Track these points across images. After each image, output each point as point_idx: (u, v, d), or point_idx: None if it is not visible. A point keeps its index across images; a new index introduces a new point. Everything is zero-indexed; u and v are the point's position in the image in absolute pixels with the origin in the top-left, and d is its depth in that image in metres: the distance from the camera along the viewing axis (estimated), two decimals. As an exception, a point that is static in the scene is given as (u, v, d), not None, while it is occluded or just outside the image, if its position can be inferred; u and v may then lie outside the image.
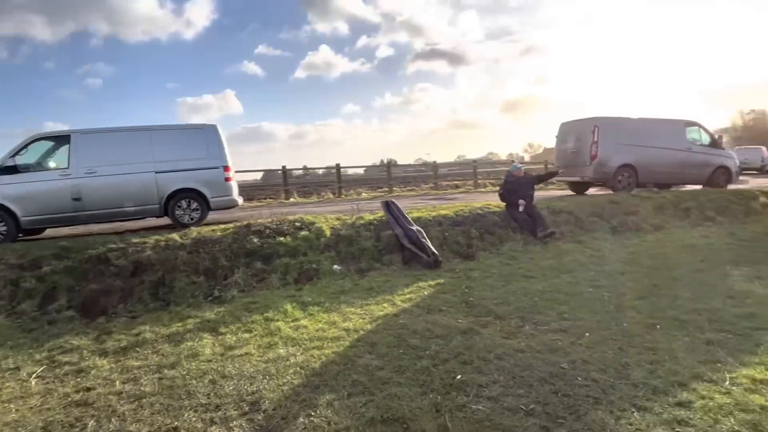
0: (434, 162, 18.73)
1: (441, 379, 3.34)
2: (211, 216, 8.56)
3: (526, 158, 62.58)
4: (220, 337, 4.45)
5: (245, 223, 7.22)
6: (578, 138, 11.57)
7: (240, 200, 8.86)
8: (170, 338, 4.48)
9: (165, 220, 8.21)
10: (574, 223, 8.33)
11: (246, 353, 4.00)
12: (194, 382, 3.52)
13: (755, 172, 23.85)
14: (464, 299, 5.18)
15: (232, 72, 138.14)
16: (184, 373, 3.68)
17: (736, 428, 2.61)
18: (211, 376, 3.59)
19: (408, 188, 17.47)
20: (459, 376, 3.36)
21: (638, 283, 5.46)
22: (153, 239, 6.55)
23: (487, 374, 3.40)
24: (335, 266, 6.59)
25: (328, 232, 7.17)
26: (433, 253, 6.71)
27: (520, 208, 8.05)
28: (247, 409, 3.09)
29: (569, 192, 12.79)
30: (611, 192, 11.21)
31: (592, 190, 12.48)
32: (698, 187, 12.23)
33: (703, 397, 2.94)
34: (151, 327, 4.79)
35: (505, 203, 8.38)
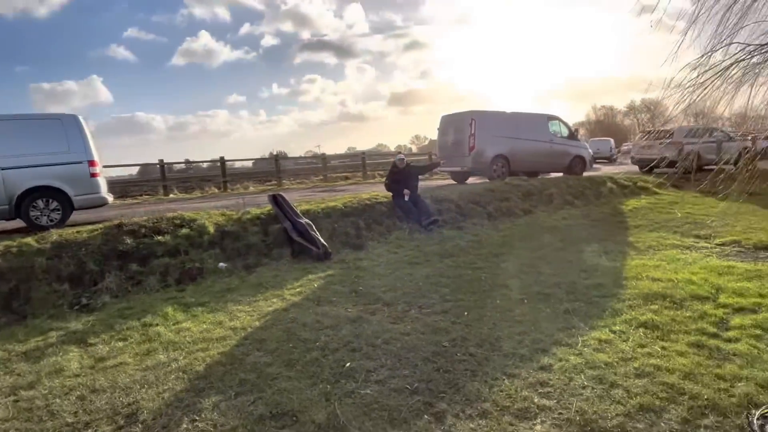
0: (323, 154, 18.70)
1: (330, 369, 3.39)
2: (78, 216, 7.72)
3: (414, 150, 64.94)
4: (89, 348, 4.06)
5: (117, 222, 6.61)
6: (457, 130, 12.30)
7: (110, 198, 8.09)
8: (27, 355, 3.98)
9: (19, 223, 7.24)
10: (455, 210, 8.87)
11: (120, 363, 3.70)
12: (58, 400, 3.17)
13: (605, 161, 27.26)
14: (354, 289, 5.28)
15: (97, 56, 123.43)
16: (46, 392, 3.30)
17: (586, 383, 3.02)
18: (79, 392, 3.26)
19: (298, 181, 17.24)
20: (348, 364, 3.45)
21: (510, 264, 6.00)
22: (2, 245, 5.73)
23: (375, 359, 3.52)
24: (221, 264, 6.33)
25: (211, 229, 6.85)
26: (323, 245, 6.74)
27: (406, 198, 8.38)
28: (122, 422, 2.87)
29: (451, 181, 13.58)
30: (487, 181, 12.12)
31: (471, 179, 13.38)
32: (559, 174, 13.70)
33: (560, 360, 3.34)
34: (3, 345, 4.21)
35: (391, 193, 8.66)
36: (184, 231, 6.67)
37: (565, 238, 7.34)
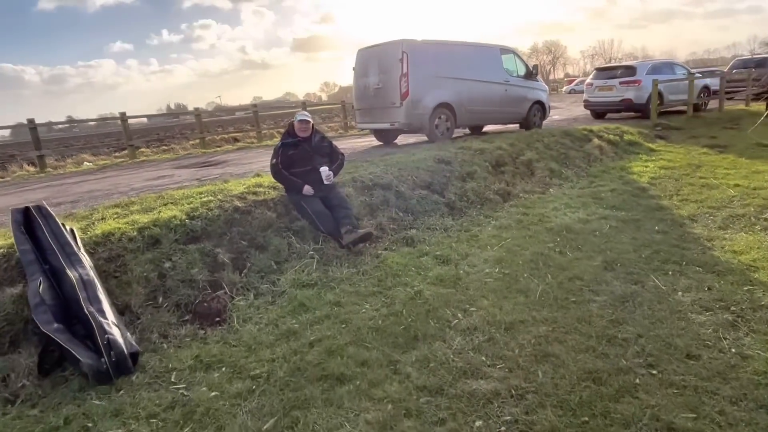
0: (197, 109, 13.61)
1: None
2: None
3: (324, 98, 59.69)
4: None
5: None
6: (382, 70, 8.54)
7: None
8: None
9: None
10: (396, 203, 5.30)
11: None
12: None
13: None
14: None
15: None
16: None
17: None
18: None
19: (164, 146, 12.53)
20: None
21: (536, 349, 2.59)
22: None
23: None
24: None
25: None
26: (112, 342, 2.85)
27: (324, 177, 4.64)
28: None
29: (374, 141, 9.97)
30: (426, 140, 8.67)
31: (402, 138, 9.86)
32: (514, 127, 10.55)
33: None
34: None
35: (284, 185, 4.84)
36: None
37: (607, 258, 4.01)
